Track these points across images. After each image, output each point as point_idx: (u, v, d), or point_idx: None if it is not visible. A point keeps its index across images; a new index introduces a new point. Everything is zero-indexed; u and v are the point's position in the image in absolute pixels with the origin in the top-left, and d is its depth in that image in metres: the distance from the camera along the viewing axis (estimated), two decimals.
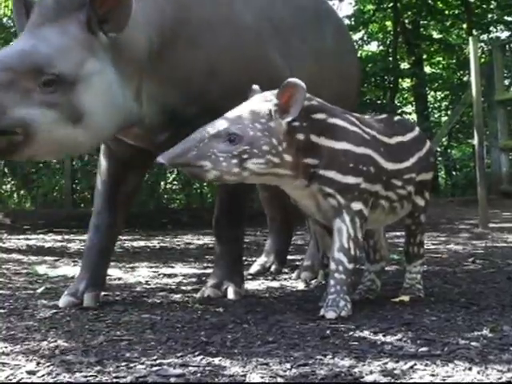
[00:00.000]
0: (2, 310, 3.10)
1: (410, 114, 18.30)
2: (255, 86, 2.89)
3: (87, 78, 2.84)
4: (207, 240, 6.86)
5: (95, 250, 3.36)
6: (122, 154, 3.40)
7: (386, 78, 17.14)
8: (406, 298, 3.19)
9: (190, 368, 2.01)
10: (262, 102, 2.74)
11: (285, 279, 4.05)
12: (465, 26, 17.39)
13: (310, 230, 3.41)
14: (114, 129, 3.00)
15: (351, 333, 2.47)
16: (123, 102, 2.96)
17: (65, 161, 12.50)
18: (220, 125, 2.66)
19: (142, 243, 7.07)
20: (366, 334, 2.46)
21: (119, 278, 4.16)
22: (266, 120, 2.69)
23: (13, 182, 14.83)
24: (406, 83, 18.53)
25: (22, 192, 15.10)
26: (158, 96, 3.13)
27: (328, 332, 2.48)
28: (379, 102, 17.26)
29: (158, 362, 2.09)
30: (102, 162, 3.47)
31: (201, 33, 3.21)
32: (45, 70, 2.75)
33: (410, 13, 17.51)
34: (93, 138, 2.93)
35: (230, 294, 3.30)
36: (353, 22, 17.39)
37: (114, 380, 1.89)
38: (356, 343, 2.32)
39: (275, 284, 3.86)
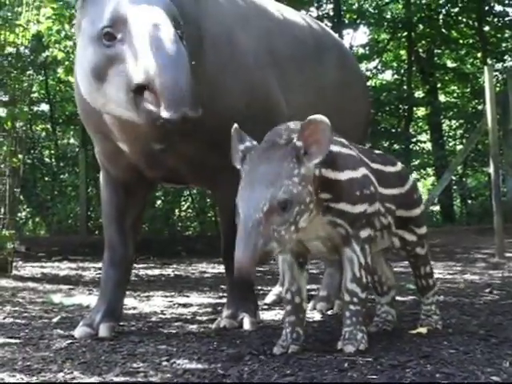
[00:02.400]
0: (17, 340, 3.09)
1: (424, 142, 18.29)
2: (235, 126, 2.64)
3: None
4: (222, 269, 6.83)
5: (111, 282, 3.35)
6: (122, 178, 3.39)
7: (400, 106, 17.17)
8: (423, 330, 3.16)
9: None
10: (280, 147, 2.49)
11: None
12: (479, 54, 17.42)
13: (326, 261, 3.38)
14: None
15: (369, 366, 2.44)
16: None
17: (80, 188, 12.56)
18: (265, 196, 2.37)
19: (156, 271, 7.07)
20: (384, 367, 2.43)
21: (134, 308, 4.15)
22: (298, 169, 2.46)
23: (28, 210, 14.91)
24: (421, 112, 18.53)
25: (37, 219, 15.19)
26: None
27: (346, 365, 2.45)
28: (394, 130, 17.27)
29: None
30: (104, 191, 3.46)
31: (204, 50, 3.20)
32: None
33: (424, 42, 17.60)
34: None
35: (246, 325, 3.28)
36: (367, 51, 17.49)
37: None
38: (374, 377, 2.29)
39: None
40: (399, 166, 3.14)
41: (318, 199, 2.56)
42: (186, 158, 3.21)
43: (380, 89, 17.24)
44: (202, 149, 3.20)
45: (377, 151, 3.22)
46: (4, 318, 3.71)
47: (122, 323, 3.44)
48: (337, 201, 2.64)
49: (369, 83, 17.75)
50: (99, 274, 6.89)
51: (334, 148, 2.66)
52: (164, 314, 3.89)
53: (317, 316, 3.78)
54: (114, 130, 3.17)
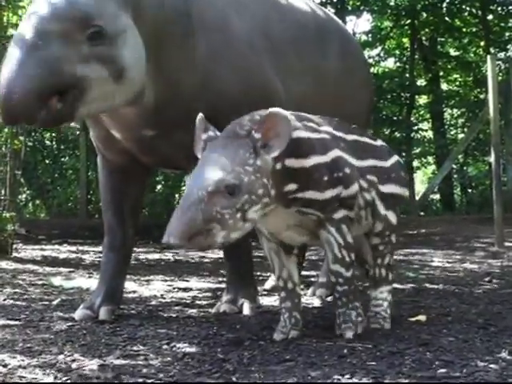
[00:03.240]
0: (18, 322, 3.10)
1: (426, 130, 18.25)
2: (200, 116, 2.61)
3: (123, 32, 2.79)
4: (221, 254, 6.84)
5: (111, 265, 3.36)
6: (118, 162, 3.39)
7: (402, 94, 17.13)
8: (422, 318, 3.17)
9: None
10: (239, 138, 2.48)
11: None
12: (482, 43, 17.36)
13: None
14: (140, 87, 2.95)
15: (369, 352, 2.45)
16: (145, 63, 2.92)
17: (80, 171, 12.56)
18: (212, 177, 2.36)
19: (156, 256, 7.08)
20: (383, 353, 2.44)
21: (134, 291, 4.16)
22: (254, 159, 2.43)
23: (28, 192, 14.89)
24: (423, 100, 18.50)
25: (37, 202, 15.18)
26: (157, 81, 3.06)
27: (345, 351, 2.46)
28: (395, 118, 17.25)
29: (175, 378, 2.08)
30: (101, 176, 3.47)
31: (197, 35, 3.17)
32: (93, 21, 2.69)
33: (427, 30, 17.53)
34: (128, 93, 2.89)
35: (246, 310, 3.29)
36: (370, 39, 17.42)
37: None
38: (374, 363, 2.30)
39: None
40: (380, 142, 3.08)
41: (280, 193, 2.51)
42: (180, 145, 3.19)
43: (382, 76, 17.18)
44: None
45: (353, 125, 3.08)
46: (4, 300, 3.72)
47: (122, 307, 3.45)
48: (303, 190, 2.57)
49: (371, 71, 17.72)
50: (99, 257, 6.90)
51: (302, 134, 2.60)
52: (164, 298, 3.90)
53: (316, 302, 3.79)
54: (104, 117, 3.17)
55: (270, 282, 4.34)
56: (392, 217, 2.96)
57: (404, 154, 16.65)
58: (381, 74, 17.73)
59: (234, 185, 2.35)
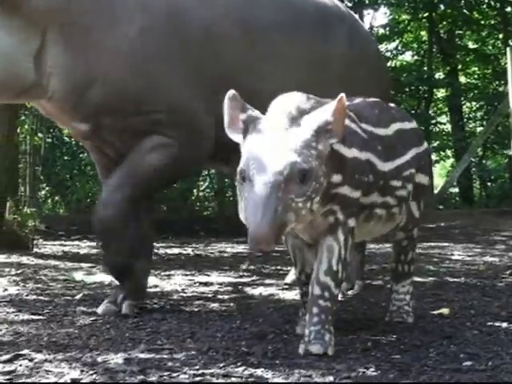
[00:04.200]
0: (41, 317, 3.12)
1: (444, 124, 18.17)
2: (232, 93, 2.36)
3: None
4: (241, 248, 6.86)
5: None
6: (97, 159, 3.44)
7: (420, 87, 17.04)
8: (445, 311, 3.16)
9: (233, 379, 2.00)
10: (297, 117, 2.26)
11: None
12: (501, 36, 17.23)
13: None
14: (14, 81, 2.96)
15: (393, 345, 2.45)
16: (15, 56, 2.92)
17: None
18: (286, 160, 2.12)
19: (176, 250, 7.09)
20: (407, 347, 2.44)
21: (156, 286, 4.17)
22: (316, 143, 2.21)
23: (47, 188, 14.98)
24: (441, 93, 18.40)
25: (56, 198, 15.25)
26: (67, 70, 3.04)
27: (369, 344, 2.46)
28: (413, 111, 17.16)
29: (200, 372, 2.09)
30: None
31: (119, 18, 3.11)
32: None
33: (445, 23, 17.41)
34: None
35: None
36: (387, 32, 17.34)
37: None
38: (398, 356, 2.30)
39: None
40: (414, 122, 2.94)
41: (327, 185, 2.30)
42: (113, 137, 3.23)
43: (400, 70, 17.11)
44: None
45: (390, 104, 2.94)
46: (27, 295, 3.74)
47: (144, 301, 3.47)
48: (343, 184, 2.38)
49: (389, 64, 17.64)
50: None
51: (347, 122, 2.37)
52: (185, 293, 3.91)
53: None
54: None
55: (291, 277, 4.34)
56: (415, 209, 2.86)
57: None
58: (399, 67, 17.65)
59: (306, 170, 2.14)
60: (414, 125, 2.92)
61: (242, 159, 2.22)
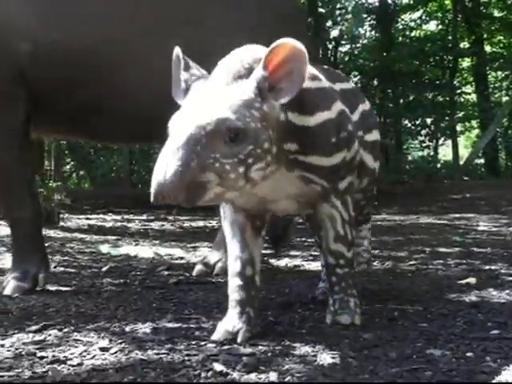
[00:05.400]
0: (69, 288, 3.15)
1: (469, 94, 18.02)
2: (177, 50, 2.12)
3: None
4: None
5: None
6: None
7: (445, 57, 16.89)
8: (472, 280, 3.15)
9: (260, 347, 2.00)
10: (242, 75, 1.97)
11: None
12: None
13: None
14: None
15: (420, 314, 2.44)
16: None
17: None
18: (212, 115, 1.83)
19: (200, 223, 7.13)
20: (434, 315, 2.44)
21: (181, 258, 4.19)
22: (260, 104, 1.92)
23: (72, 163, 15.07)
24: (466, 63, 18.22)
25: (81, 172, 15.36)
26: None
27: (396, 313, 2.46)
28: (438, 82, 17.03)
29: (227, 340, 2.09)
30: None
31: None
32: None
33: None
34: None
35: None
36: (411, 1, 17.17)
37: (186, 358, 1.90)
38: (425, 325, 2.29)
39: None
40: (351, 82, 2.66)
41: (280, 151, 2.01)
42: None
43: (424, 39, 16.96)
44: None
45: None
46: (55, 267, 3.77)
47: (169, 272, 3.49)
48: (306, 153, 2.11)
49: (413, 34, 17.49)
50: (144, 225, 6.97)
51: (307, 84, 2.05)
52: None
53: (362, 267, 3.77)
54: None
55: (198, 266, 3.67)
56: (377, 168, 2.64)
57: (447, 118, 16.46)
58: (423, 37, 17.49)
59: (239, 128, 1.83)
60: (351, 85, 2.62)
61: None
